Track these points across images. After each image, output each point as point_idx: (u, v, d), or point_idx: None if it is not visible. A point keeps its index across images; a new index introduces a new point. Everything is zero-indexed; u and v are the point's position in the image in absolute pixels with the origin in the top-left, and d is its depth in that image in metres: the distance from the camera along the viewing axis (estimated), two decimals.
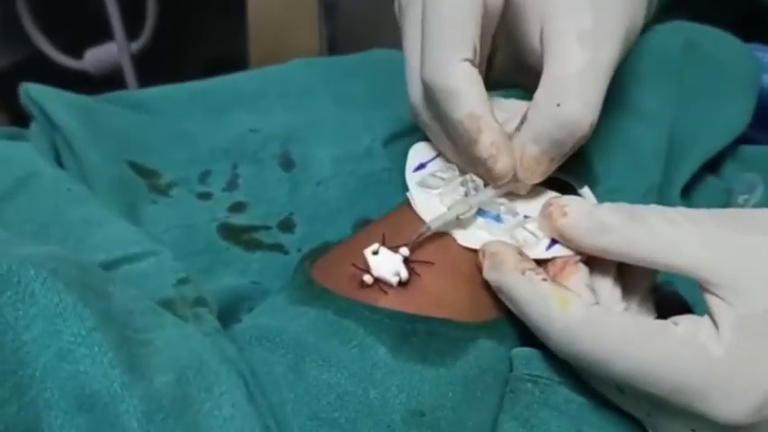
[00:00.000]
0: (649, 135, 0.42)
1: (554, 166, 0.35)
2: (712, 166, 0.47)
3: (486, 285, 0.34)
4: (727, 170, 0.47)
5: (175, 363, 0.27)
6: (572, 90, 0.33)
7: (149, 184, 0.44)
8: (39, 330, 0.25)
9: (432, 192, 0.37)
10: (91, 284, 0.28)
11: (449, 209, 0.35)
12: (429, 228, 0.34)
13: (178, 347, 0.28)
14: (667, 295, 0.35)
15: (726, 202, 0.46)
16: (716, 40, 0.47)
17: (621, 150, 0.42)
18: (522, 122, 0.34)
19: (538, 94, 0.34)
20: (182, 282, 0.33)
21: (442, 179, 0.37)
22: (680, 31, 0.46)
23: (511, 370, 0.33)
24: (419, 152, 0.39)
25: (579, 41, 0.34)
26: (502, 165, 0.34)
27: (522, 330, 0.34)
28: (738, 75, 0.47)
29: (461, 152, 0.35)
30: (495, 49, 0.40)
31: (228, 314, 0.37)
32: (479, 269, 0.34)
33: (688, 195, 0.45)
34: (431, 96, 0.35)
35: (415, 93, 0.37)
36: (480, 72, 0.34)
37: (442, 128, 0.36)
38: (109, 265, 0.34)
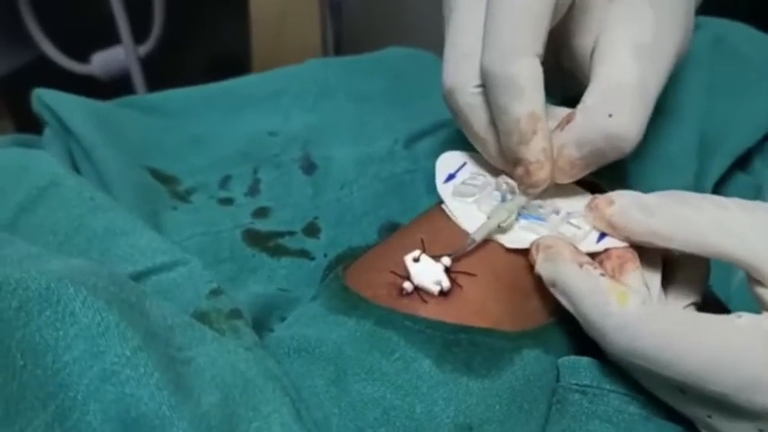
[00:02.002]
0: (680, 133, 0.42)
1: (584, 173, 0.34)
2: (741, 162, 0.46)
3: (529, 293, 0.34)
4: (756, 166, 0.47)
5: (220, 382, 0.27)
6: (626, 102, 0.32)
7: (169, 189, 0.43)
8: (80, 351, 0.24)
9: (467, 200, 0.36)
10: (129, 301, 0.27)
11: (489, 217, 0.34)
12: (474, 240, 0.33)
13: (221, 365, 0.27)
14: (705, 297, 0.35)
15: (756, 198, 0.45)
16: (743, 35, 0.47)
17: (652, 150, 0.41)
18: (565, 123, 0.34)
19: (590, 100, 0.33)
20: (214, 293, 0.32)
21: (475, 186, 0.36)
22: (707, 26, 0.46)
23: (558, 380, 0.32)
24: (446, 163, 0.38)
25: (636, 54, 0.33)
26: (544, 173, 0.33)
27: (567, 338, 0.33)
28: (764, 69, 0.46)
29: (504, 148, 0.34)
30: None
31: (260, 324, 0.36)
32: (523, 275, 0.34)
33: (717, 193, 0.44)
34: (489, 86, 0.33)
35: (459, 74, 0.35)
36: None
37: (486, 119, 0.35)
38: (137, 277, 0.33)
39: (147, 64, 0.82)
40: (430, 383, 0.30)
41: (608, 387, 0.31)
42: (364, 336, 0.31)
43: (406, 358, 0.30)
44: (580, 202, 0.35)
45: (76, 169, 0.43)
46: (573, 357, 0.32)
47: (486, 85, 0.33)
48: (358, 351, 0.31)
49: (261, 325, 0.36)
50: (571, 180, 0.35)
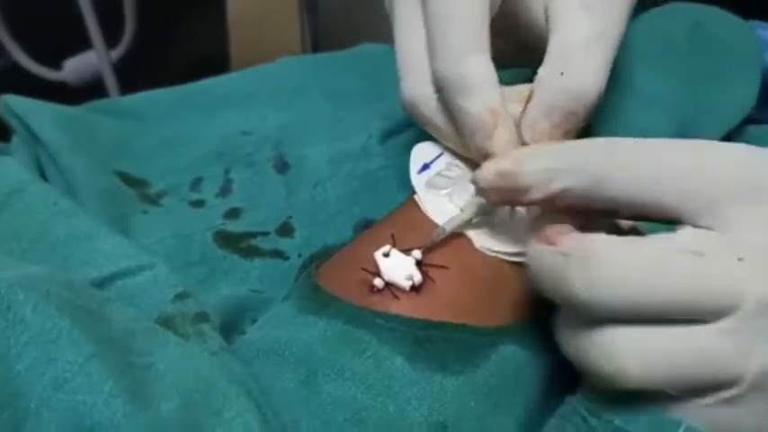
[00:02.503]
0: (658, 121, 0.41)
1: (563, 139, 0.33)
2: None
3: (504, 287, 0.33)
4: None
5: (181, 387, 0.26)
6: (578, 58, 0.32)
7: (139, 193, 0.43)
8: (31, 359, 0.23)
9: (441, 192, 0.35)
10: (86, 306, 0.26)
11: (462, 210, 0.33)
12: (444, 230, 0.32)
13: (183, 370, 0.26)
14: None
15: None
16: (720, 21, 0.46)
17: (623, 133, 0.40)
18: (528, 101, 0.33)
19: (543, 69, 0.33)
20: (180, 296, 0.31)
21: (449, 178, 0.35)
22: (684, 12, 0.45)
23: (575, 392, 0.29)
24: (421, 153, 0.37)
25: (585, 11, 0.33)
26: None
27: (546, 334, 0.32)
28: (743, 55, 0.46)
29: (472, 147, 0.34)
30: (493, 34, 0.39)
31: (231, 326, 0.35)
32: (498, 269, 0.33)
33: None
34: (443, 90, 0.33)
35: (414, 86, 0.35)
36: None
37: (450, 122, 0.34)
38: (102, 282, 0.32)
39: (122, 68, 0.81)
40: (402, 382, 0.29)
41: (617, 422, 0.27)
42: (335, 335, 0.30)
43: (377, 357, 0.29)
44: None
45: (44, 176, 0.42)
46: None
47: (440, 90, 0.33)
48: (328, 351, 0.30)
49: (232, 327, 0.35)
50: None
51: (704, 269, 0.25)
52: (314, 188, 0.44)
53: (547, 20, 0.34)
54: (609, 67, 0.33)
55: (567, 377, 0.31)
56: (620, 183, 0.27)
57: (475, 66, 0.32)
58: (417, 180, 0.36)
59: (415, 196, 0.35)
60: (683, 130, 0.42)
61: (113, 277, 0.33)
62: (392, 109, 0.47)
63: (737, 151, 0.28)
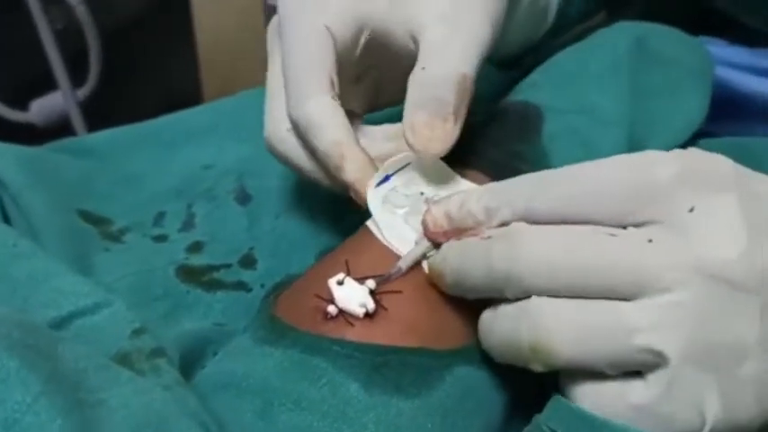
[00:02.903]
0: (608, 135, 0.41)
1: (451, 128, 0.34)
2: None
3: (458, 309, 0.33)
4: None
5: (132, 422, 0.26)
6: (437, 52, 0.35)
7: (101, 231, 0.43)
8: None
9: (397, 211, 0.35)
10: (36, 346, 0.26)
11: (416, 243, 0.34)
12: (400, 269, 0.33)
13: (134, 406, 0.27)
14: None
15: None
16: (664, 37, 0.47)
17: (582, 152, 0.41)
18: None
19: (410, 74, 0.35)
20: (137, 332, 0.32)
21: (407, 196, 0.36)
22: (627, 30, 0.46)
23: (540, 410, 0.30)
24: (388, 164, 0.37)
25: (442, 21, 0.35)
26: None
27: None
28: (691, 69, 0.47)
29: (332, 179, 0.36)
30: (381, 79, 0.41)
31: (193, 361, 0.35)
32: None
33: None
34: (297, 130, 0.36)
35: (271, 126, 0.38)
36: (343, 104, 0.36)
37: (310, 159, 0.37)
38: (60, 322, 0.32)
39: (88, 108, 0.81)
40: (357, 408, 0.29)
41: None
42: (292, 365, 0.30)
43: (333, 384, 0.30)
44: None
45: (5, 216, 0.42)
46: (563, 400, 0.29)
47: (295, 129, 0.36)
48: (285, 381, 0.30)
49: (194, 362, 0.35)
50: (446, 142, 0.34)
51: (615, 246, 0.28)
52: (276, 219, 0.44)
53: (414, 44, 0.36)
54: (474, 59, 0.35)
55: (531, 398, 0.31)
56: (545, 211, 0.30)
57: (314, 106, 0.35)
58: (373, 195, 0.36)
59: (370, 220, 0.36)
60: (635, 145, 0.42)
61: (72, 316, 0.33)
62: None
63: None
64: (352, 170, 0.35)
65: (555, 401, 0.29)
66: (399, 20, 0.37)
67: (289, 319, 0.32)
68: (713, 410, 0.26)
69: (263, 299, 0.39)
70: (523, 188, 0.31)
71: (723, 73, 0.54)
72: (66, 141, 0.51)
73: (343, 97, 0.36)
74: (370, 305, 0.31)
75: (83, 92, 0.79)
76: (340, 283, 0.32)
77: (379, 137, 0.38)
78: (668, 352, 0.26)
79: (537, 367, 0.28)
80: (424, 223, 0.33)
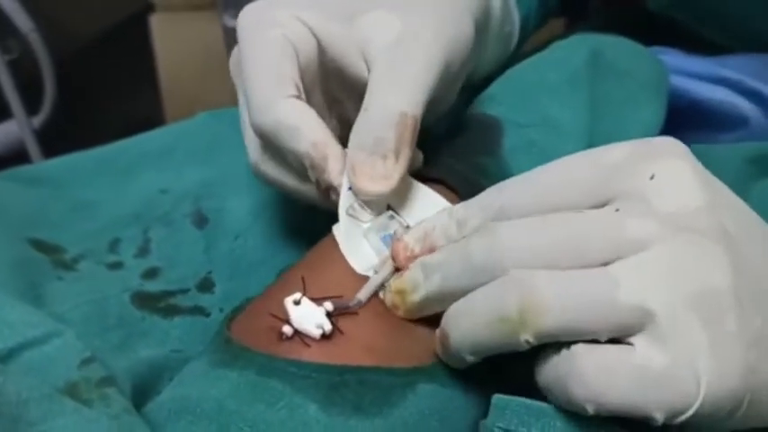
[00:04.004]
0: (568, 148, 0.41)
1: (396, 168, 0.34)
2: None
3: (418, 328, 0.33)
4: None
5: None
6: (377, 91, 0.34)
7: (54, 260, 0.41)
8: None
9: (360, 224, 0.35)
10: None
11: (376, 271, 0.33)
12: (360, 301, 0.32)
13: None
14: None
15: None
16: (619, 48, 0.47)
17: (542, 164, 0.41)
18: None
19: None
20: (86, 362, 0.31)
21: (371, 210, 0.35)
22: (582, 42, 0.46)
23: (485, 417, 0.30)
24: None
25: (387, 52, 0.35)
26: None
27: (466, 371, 0.32)
28: (645, 79, 0.47)
29: (316, 186, 0.36)
30: (348, 117, 0.41)
31: (149, 389, 0.34)
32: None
33: None
34: (270, 142, 0.35)
35: (251, 147, 0.38)
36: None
37: (288, 171, 0.37)
38: (9, 354, 0.31)
39: (44, 135, 0.80)
40: (316, 429, 0.28)
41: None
42: (247, 387, 0.30)
43: (291, 406, 0.29)
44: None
45: None
46: (504, 398, 0.29)
47: (266, 142, 0.36)
48: (240, 404, 0.29)
49: (150, 390, 0.34)
50: (389, 180, 0.34)
51: (587, 219, 0.29)
52: (234, 240, 0.43)
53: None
54: (417, 96, 0.35)
55: None
56: (516, 208, 0.31)
57: (283, 109, 0.34)
58: (343, 201, 0.35)
59: (334, 227, 0.35)
60: None
61: (21, 348, 0.31)
62: None
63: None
64: (336, 170, 0.34)
65: (497, 401, 0.29)
66: (354, 43, 0.37)
67: (244, 341, 0.32)
68: (706, 370, 0.26)
69: (222, 323, 0.39)
70: (491, 194, 0.32)
71: (680, 82, 0.54)
72: (16, 170, 0.50)
73: None
74: (327, 326, 0.31)
75: (38, 120, 0.78)
76: (296, 302, 0.31)
77: None
78: (653, 306, 0.27)
79: (526, 337, 0.27)
80: (394, 252, 0.33)
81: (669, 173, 0.29)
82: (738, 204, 0.31)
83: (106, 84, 0.94)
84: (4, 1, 0.82)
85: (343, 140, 0.36)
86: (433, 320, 0.32)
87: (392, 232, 0.35)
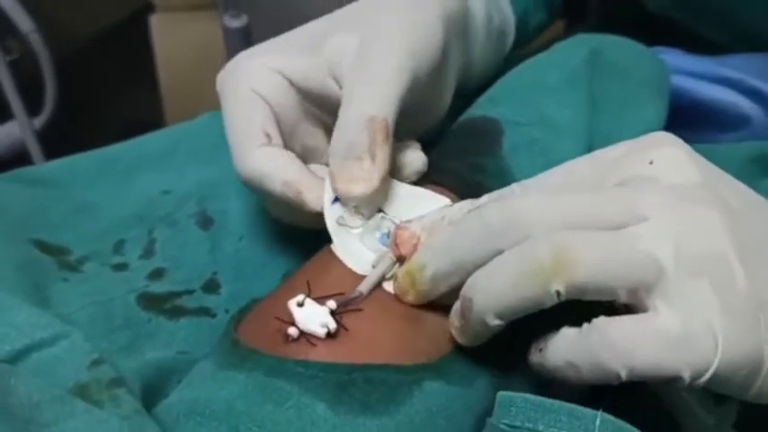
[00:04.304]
0: (568, 147, 0.42)
1: (373, 169, 0.35)
2: None
3: (422, 323, 0.33)
4: None
5: None
6: (345, 103, 0.36)
7: (59, 261, 0.42)
8: None
9: (352, 231, 0.35)
10: None
11: (374, 266, 0.34)
12: (361, 293, 0.33)
13: None
14: None
15: None
16: (620, 48, 0.48)
17: (543, 164, 0.41)
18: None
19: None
20: (96, 363, 0.31)
21: (362, 215, 0.36)
22: (582, 43, 0.46)
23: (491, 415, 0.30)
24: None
25: (351, 69, 0.37)
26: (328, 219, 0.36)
27: (471, 366, 0.32)
28: (647, 79, 0.47)
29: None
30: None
31: (156, 391, 0.34)
32: (414, 306, 0.33)
33: None
34: (254, 189, 0.38)
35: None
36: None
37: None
38: (17, 356, 0.31)
39: (46, 136, 0.80)
40: (324, 428, 0.29)
41: (542, 428, 0.28)
42: (256, 388, 0.30)
43: (299, 405, 0.29)
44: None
45: None
46: (508, 394, 0.29)
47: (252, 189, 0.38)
48: (250, 405, 0.29)
49: (157, 392, 0.34)
50: (369, 181, 0.35)
51: (597, 193, 0.31)
52: (239, 241, 0.43)
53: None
54: (387, 99, 0.36)
55: None
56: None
57: (254, 160, 0.36)
58: (330, 213, 0.36)
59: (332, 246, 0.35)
60: None
61: (28, 350, 0.32)
62: None
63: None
64: (313, 200, 0.36)
65: (501, 398, 0.29)
66: (325, 70, 0.39)
67: (251, 343, 0.32)
68: (721, 329, 0.28)
69: (228, 324, 0.39)
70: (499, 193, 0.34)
71: (681, 82, 0.55)
72: (19, 171, 0.50)
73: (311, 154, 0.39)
74: (332, 325, 0.31)
75: (39, 121, 0.78)
76: (300, 304, 0.31)
77: None
78: (665, 263, 0.28)
79: (557, 287, 0.28)
80: (400, 239, 0.34)
81: (667, 158, 0.31)
82: (738, 184, 0.32)
83: (105, 84, 0.94)
84: (3, 1, 0.82)
85: None
86: (439, 312, 0.33)
87: (387, 231, 0.35)
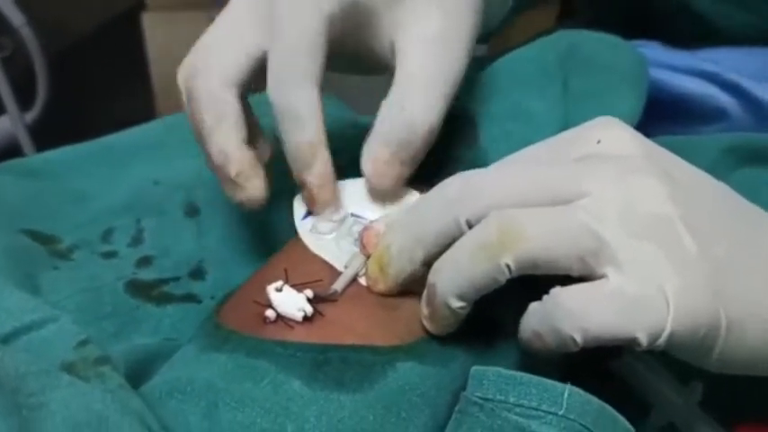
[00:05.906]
0: (545, 138, 0.43)
1: (406, 170, 0.37)
2: None
3: (397, 308, 0.34)
4: None
5: (72, 423, 0.26)
6: (414, 94, 0.36)
7: (49, 249, 0.43)
8: None
9: (326, 237, 0.37)
10: None
11: (346, 266, 0.35)
12: (336, 291, 0.34)
13: (74, 407, 0.27)
14: None
15: None
16: (597, 43, 0.48)
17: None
18: (370, 130, 0.36)
19: (385, 102, 0.36)
20: (82, 343, 0.32)
21: (332, 221, 0.37)
22: (560, 38, 0.47)
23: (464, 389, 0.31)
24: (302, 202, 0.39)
25: (426, 50, 0.36)
26: (326, 194, 0.37)
27: (446, 349, 0.34)
28: (623, 72, 0.48)
29: (293, 171, 0.37)
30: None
31: (142, 375, 0.35)
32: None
33: None
34: (273, 112, 0.37)
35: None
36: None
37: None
38: (6, 338, 0.32)
39: (37, 131, 0.81)
40: (300, 403, 0.30)
41: (513, 400, 0.29)
42: (236, 368, 0.31)
43: (275, 382, 0.30)
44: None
45: None
46: (481, 368, 0.31)
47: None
48: (229, 382, 0.30)
49: (143, 376, 0.35)
50: (396, 183, 0.37)
51: (546, 167, 0.33)
52: (225, 229, 0.44)
53: (393, 54, 0.37)
54: (447, 101, 0.37)
55: None
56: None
57: (300, 98, 0.35)
58: (302, 227, 0.37)
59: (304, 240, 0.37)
60: None
61: (17, 332, 0.33)
62: None
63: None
64: (317, 174, 0.36)
65: (474, 372, 0.30)
66: (387, 22, 0.38)
67: (232, 326, 0.33)
68: (672, 289, 0.29)
69: (212, 310, 0.40)
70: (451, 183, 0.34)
71: (660, 75, 0.55)
72: (10, 162, 0.51)
73: None
74: (308, 309, 0.32)
75: (31, 115, 0.79)
76: (278, 290, 0.33)
77: None
78: (606, 228, 0.29)
79: (506, 260, 0.30)
80: (366, 239, 0.35)
81: (612, 137, 0.33)
82: (682, 161, 0.34)
83: (98, 80, 0.95)
84: None
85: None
86: (414, 301, 0.34)
87: (357, 235, 0.37)
